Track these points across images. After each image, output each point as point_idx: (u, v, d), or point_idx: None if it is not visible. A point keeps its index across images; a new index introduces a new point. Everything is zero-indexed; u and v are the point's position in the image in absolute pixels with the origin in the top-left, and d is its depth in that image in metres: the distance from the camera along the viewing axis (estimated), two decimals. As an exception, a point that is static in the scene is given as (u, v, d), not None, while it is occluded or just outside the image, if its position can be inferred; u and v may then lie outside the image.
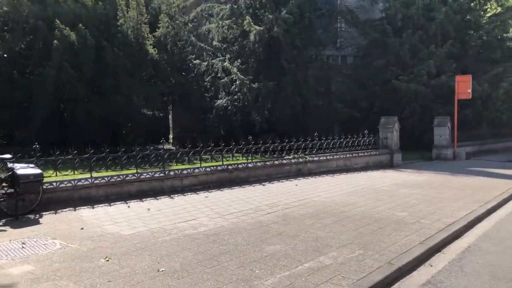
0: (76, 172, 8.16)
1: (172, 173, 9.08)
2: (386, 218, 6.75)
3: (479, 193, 9.09)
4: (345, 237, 5.70)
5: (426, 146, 19.03)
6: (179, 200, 8.29)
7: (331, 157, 12.37)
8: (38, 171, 7.04)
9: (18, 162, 7.12)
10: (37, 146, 7.76)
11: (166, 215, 7.06)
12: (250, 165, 10.48)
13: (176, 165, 9.41)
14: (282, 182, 10.47)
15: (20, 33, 17.12)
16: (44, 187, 7.39)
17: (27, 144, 12.64)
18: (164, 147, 22.75)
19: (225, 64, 20.92)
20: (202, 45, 22.55)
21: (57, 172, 8.08)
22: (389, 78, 21.21)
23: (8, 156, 7.12)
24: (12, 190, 6.80)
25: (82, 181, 7.99)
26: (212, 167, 9.77)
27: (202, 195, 8.79)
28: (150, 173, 8.80)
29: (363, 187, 9.80)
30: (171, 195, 8.66)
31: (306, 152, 11.96)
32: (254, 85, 19.59)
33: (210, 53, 22.53)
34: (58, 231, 6.09)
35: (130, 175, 8.52)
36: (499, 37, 21.62)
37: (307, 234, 5.85)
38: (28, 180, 6.79)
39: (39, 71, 15.94)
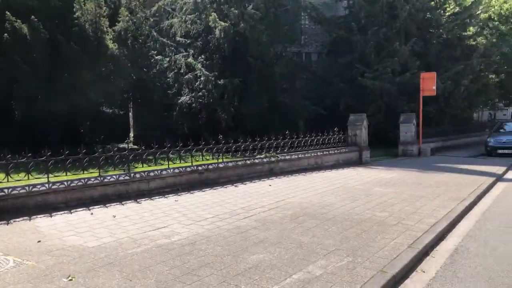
0: (31, 177, 7.38)
1: (138, 175, 8.46)
2: (368, 220, 6.49)
3: (452, 190, 9.05)
4: (330, 243, 5.36)
5: (391, 143, 19.21)
6: (147, 205, 7.71)
7: (302, 156, 12.08)
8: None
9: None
10: (-15, 148, 6.98)
11: (134, 222, 6.48)
12: (221, 165, 10.00)
13: (142, 166, 8.78)
14: (254, 182, 10.06)
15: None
16: (-5, 194, 6.64)
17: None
18: (127, 146, 21.88)
19: (188, 60, 20.28)
20: (165, 40, 21.79)
21: (9, 177, 7.28)
22: (355, 76, 21.29)
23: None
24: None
25: (38, 186, 7.25)
26: (181, 168, 9.21)
27: (171, 198, 8.24)
28: (114, 176, 8.14)
29: (337, 186, 9.56)
30: (138, 200, 8.05)
31: (278, 151, 11.61)
32: (219, 82, 19.10)
33: (172, 48, 21.79)
34: (11, 245, 5.39)
35: (93, 179, 7.84)
36: (458, 35, 22.15)
37: (290, 240, 5.46)
38: (-25, 188, 6.04)
39: (-13, 67, 14.78)
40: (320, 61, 25.79)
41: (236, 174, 10.36)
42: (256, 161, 10.87)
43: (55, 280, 4.25)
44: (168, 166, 9.07)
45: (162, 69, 21.73)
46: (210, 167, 9.78)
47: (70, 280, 4.24)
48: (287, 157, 11.67)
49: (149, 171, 8.68)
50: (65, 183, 7.51)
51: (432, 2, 22.88)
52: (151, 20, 22.50)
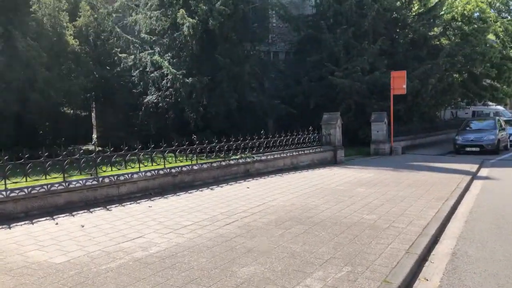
0: (-15, 184, 6.61)
1: (107, 179, 7.80)
2: (357, 224, 6.16)
3: (433, 190, 8.91)
4: (324, 250, 4.98)
5: (361, 142, 19.20)
6: (118, 212, 7.08)
7: (278, 156, 11.71)
8: None
9: None
10: None
11: (105, 232, 5.86)
12: (195, 167, 9.45)
13: (111, 170, 8.11)
14: (231, 185, 9.58)
15: None
16: None
17: None
18: (93, 148, 20.82)
19: (154, 57, 19.50)
20: (129, 37, 20.89)
21: (-40, 185, 6.49)
22: (324, 74, 21.15)
23: None
24: None
25: (-6, 195, 6.49)
26: (153, 171, 8.61)
27: (144, 204, 7.64)
28: (80, 181, 7.45)
29: (318, 187, 9.23)
30: (107, 207, 7.40)
31: (253, 151, 11.18)
32: (187, 80, 18.44)
33: (137, 45, 20.90)
34: (-37, 264, 4.70)
35: (57, 185, 7.13)
36: (424, 35, 22.45)
37: (281, 249, 5.04)
38: None
39: None
40: (288, 60, 25.49)
41: (212, 176, 9.85)
42: (232, 162, 10.40)
43: (18, 307, 3.64)
44: (139, 169, 8.45)
45: (126, 67, 20.81)
46: (184, 169, 9.22)
47: (36, 306, 3.64)
48: (263, 157, 11.27)
49: (118, 175, 8.04)
50: (25, 190, 6.77)
51: (398, 2, 23.12)
52: (114, 16, 21.57)
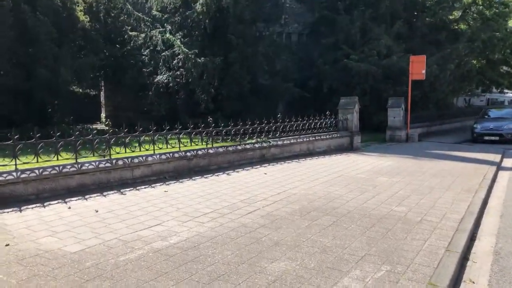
0: (-5, 164, 6.29)
1: (120, 162, 7.47)
2: (387, 216, 5.79)
3: (460, 180, 8.51)
4: (357, 246, 4.63)
5: (376, 128, 18.73)
6: (133, 196, 6.76)
7: (294, 141, 11.31)
8: None
9: None
10: None
11: (121, 218, 5.55)
12: (211, 151, 9.09)
13: (125, 152, 7.76)
14: (247, 170, 9.23)
15: None
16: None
17: None
18: (97, 128, 20.50)
19: (166, 35, 19.00)
20: (140, 14, 20.35)
21: (-31, 164, 6.19)
22: (339, 57, 20.59)
23: None
24: None
25: (5, 175, 6.17)
26: (168, 154, 8.26)
27: (159, 189, 7.31)
28: (93, 163, 7.12)
29: (338, 175, 8.85)
30: (121, 190, 7.09)
31: (269, 136, 10.78)
32: (199, 60, 17.93)
33: (148, 23, 20.38)
34: (-28, 251, 4.40)
35: (69, 166, 6.80)
36: (443, 19, 21.70)
37: (310, 243, 4.70)
38: None
39: None
40: (301, 42, 24.84)
41: (227, 160, 9.49)
42: (248, 146, 10.02)
43: (31, 302, 3.33)
44: (154, 152, 8.10)
45: (136, 46, 20.34)
46: (200, 152, 8.86)
47: (51, 302, 3.33)
48: (279, 142, 10.88)
49: (132, 157, 7.70)
50: (37, 171, 6.45)
51: (417, -16, 22.33)
52: (125, -8, 21.01)
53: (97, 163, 7.16)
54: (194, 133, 9.04)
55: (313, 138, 11.97)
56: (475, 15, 24.24)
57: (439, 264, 4.18)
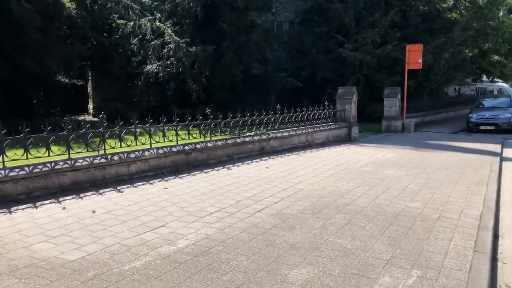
0: (-20, 161, 5.79)
1: (116, 157, 7.02)
2: (403, 213, 5.49)
3: (467, 172, 8.28)
4: (379, 248, 4.31)
5: (369, 118, 18.49)
6: (131, 194, 6.34)
7: (293, 133, 10.96)
8: None
9: None
10: None
11: (121, 220, 5.14)
12: (209, 144, 8.69)
13: (121, 146, 7.31)
14: (247, 164, 8.85)
15: None
16: None
17: None
18: (86, 119, 19.87)
19: (156, 23, 18.39)
20: (128, 2, 19.65)
21: (-48, 162, 5.69)
22: (333, 47, 20.25)
23: None
24: None
25: (-9, 174, 5.70)
26: (165, 148, 7.83)
27: (158, 185, 6.90)
28: (87, 159, 6.66)
29: (342, 168, 8.54)
30: (118, 187, 6.66)
31: (268, 128, 10.41)
32: (191, 49, 17.39)
33: (137, 11, 19.71)
34: (-42, 261, 3.96)
35: (61, 162, 6.34)
36: (437, 7, 21.46)
37: (329, 245, 4.36)
38: None
39: None
40: (292, 31, 24.38)
41: (226, 154, 9.11)
42: (247, 139, 9.64)
43: (30, 324, 2.93)
44: (151, 146, 7.67)
45: (125, 34, 19.69)
46: (198, 146, 8.45)
47: (53, 322, 2.93)
48: (278, 134, 10.51)
49: (128, 152, 7.26)
50: (27, 168, 5.98)
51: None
52: (112, -22, 20.24)
53: (91, 158, 6.70)
54: (191, 125, 8.62)
55: (312, 130, 11.63)
56: (467, 3, 24.05)
57: (472, 268, 3.88)
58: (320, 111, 12.15)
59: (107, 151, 7.08)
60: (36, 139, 6.49)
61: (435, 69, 19.50)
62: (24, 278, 3.60)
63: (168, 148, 7.89)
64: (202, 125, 8.74)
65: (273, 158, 9.58)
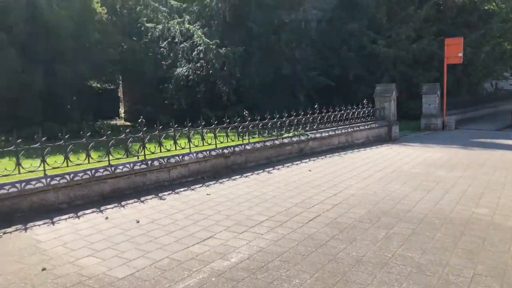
0: (22, 170, 5.60)
1: (156, 163, 6.77)
2: (472, 221, 5.00)
3: (528, 173, 7.66)
4: (456, 262, 3.85)
5: (406, 116, 17.77)
6: (174, 201, 6.06)
7: (333, 133, 10.51)
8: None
9: None
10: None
11: (167, 230, 4.85)
12: (248, 147, 8.35)
13: (160, 151, 7.06)
14: (287, 167, 8.47)
15: None
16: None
17: None
18: (117, 123, 19.92)
19: (185, 26, 18.23)
20: (156, 5, 19.57)
21: (-8, 171, 5.53)
22: (365, 43, 19.61)
23: None
24: None
25: (33, 182, 5.51)
26: (205, 152, 7.54)
27: (200, 191, 6.60)
28: (128, 165, 6.43)
29: (390, 170, 8.05)
30: (160, 194, 6.40)
31: (307, 128, 10.00)
32: (221, 51, 17.16)
33: (165, 14, 19.61)
34: (2, 278, 3.73)
35: (101, 170, 6.13)
36: (475, -1, 20.54)
37: (399, 260, 3.93)
38: None
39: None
40: (320, 29, 23.82)
41: (264, 156, 8.75)
42: (286, 141, 9.26)
43: None
44: (190, 150, 7.39)
45: (154, 38, 19.65)
46: (237, 149, 8.13)
47: None
48: (317, 135, 10.09)
49: (168, 157, 7.00)
50: (67, 176, 5.78)
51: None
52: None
53: (131, 165, 6.47)
54: (229, 127, 8.31)
55: (352, 129, 11.15)
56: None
57: None
58: (359, 109, 11.64)
59: (147, 157, 6.83)
60: (76, 146, 6.29)
61: (474, 63, 18.62)
62: (73, 299, 3.33)
63: (208, 152, 7.59)
64: (240, 127, 8.40)
65: (314, 160, 9.16)
